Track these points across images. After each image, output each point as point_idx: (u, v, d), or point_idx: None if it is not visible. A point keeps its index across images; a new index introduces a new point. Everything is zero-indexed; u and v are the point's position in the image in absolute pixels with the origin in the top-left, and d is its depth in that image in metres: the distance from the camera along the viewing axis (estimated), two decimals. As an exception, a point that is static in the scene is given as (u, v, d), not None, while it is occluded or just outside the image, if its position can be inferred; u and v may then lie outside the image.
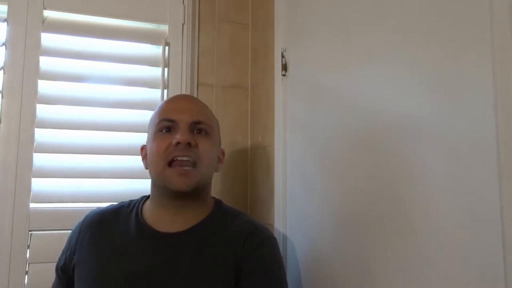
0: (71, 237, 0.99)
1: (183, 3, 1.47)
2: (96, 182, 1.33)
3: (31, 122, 1.27)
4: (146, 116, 1.40)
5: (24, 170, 1.26)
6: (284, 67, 1.21)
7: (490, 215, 0.56)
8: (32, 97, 1.28)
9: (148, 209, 0.97)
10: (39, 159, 1.28)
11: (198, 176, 0.92)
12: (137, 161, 1.36)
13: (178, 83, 1.43)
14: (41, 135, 1.29)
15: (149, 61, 1.43)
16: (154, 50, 1.43)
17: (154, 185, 0.97)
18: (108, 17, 1.39)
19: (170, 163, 0.90)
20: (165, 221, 0.94)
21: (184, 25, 1.46)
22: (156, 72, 1.42)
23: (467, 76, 0.61)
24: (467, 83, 0.61)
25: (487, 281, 0.57)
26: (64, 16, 1.36)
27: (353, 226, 0.86)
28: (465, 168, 0.61)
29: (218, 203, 1.03)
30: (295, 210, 1.13)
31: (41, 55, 1.30)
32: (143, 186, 1.37)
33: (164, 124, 0.94)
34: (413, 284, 0.70)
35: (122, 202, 1.04)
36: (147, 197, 1.02)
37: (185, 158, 0.90)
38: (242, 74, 1.53)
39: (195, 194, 0.93)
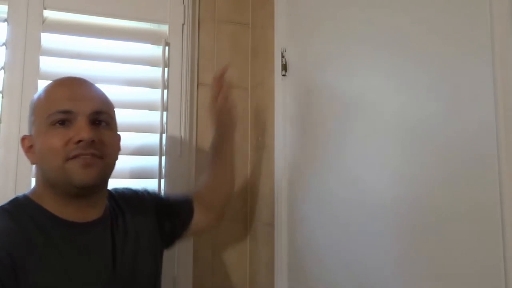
0: None
1: (183, 3, 1.47)
2: (96, 182, 1.33)
3: (31, 122, 1.27)
4: (146, 116, 1.41)
5: (24, 170, 1.25)
6: (284, 67, 1.21)
7: (490, 215, 0.56)
8: (32, 97, 1.28)
9: (53, 207, 0.83)
10: (39, 159, 1.28)
11: (104, 167, 0.83)
12: (137, 161, 1.36)
13: (178, 83, 1.43)
14: (41, 135, 1.29)
15: (149, 61, 1.43)
16: (154, 50, 1.43)
17: (49, 183, 0.82)
18: (108, 17, 1.39)
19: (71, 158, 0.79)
20: (78, 214, 0.84)
21: (184, 25, 1.46)
22: (156, 72, 1.42)
23: (467, 76, 0.61)
24: (467, 83, 0.61)
25: (487, 281, 0.57)
26: (64, 16, 1.35)
27: (353, 226, 0.86)
28: (465, 168, 0.61)
29: None
30: (295, 210, 1.13)
31: (41, 55, 1.30)
32: (143, 186, 1.37)
33: (59, 117, 0.79)
34: (413, 284, 0.70)
35: None
36: (25, 198, 0.86)
37: (89, 155, 0.79)
38: (242, 74, 1.53)
39: (101, 186, 0.86)
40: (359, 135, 0.86)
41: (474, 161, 0.59)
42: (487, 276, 0.57)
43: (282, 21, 1.25)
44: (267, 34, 1.37)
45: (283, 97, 1.21)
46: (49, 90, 0.86)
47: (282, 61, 1.22)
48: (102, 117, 0.84)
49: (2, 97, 1.26)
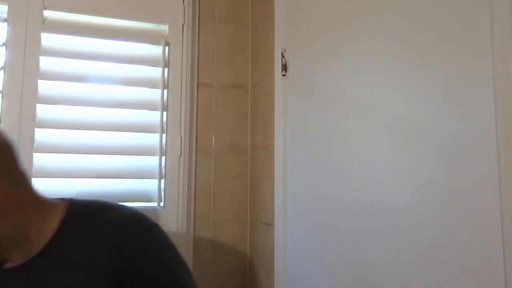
0: None
1: (183, 3, 1.47)
2: (96, 182, 1.33)
3: (31, 122, 1.27)
4: (146, 116, 1.41)
5: (24, 170, 1.25)
6: (284, 67, 1.21)
7: (490, 215, 0.56)
8: (32, 97, 1.28)
9: None
10: (39, 159, 1.28)
11: None
12: (137, 161, 1.36)
13: (178, 83, 1.43)
14: (41, 135, 1.29)
15: (149, 61, 1.43)
16: (154, 50, 1.44)
17: None
18: (108, 17, 1.39)
19: None
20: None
21: (184, 25, 1.46)
22: (156, 72, 1.42)
23: (467, 77, 0.61)
24: (467, 84, 0.61)
25: (487, 281, 0.57)
26: (64, 16, 1.36)
27: (353, 226, 0.86)
28: (465, 168, 0.61)
29: (70, 207, 0.82)
30: (295, 210, 1.13)
31: (41, 55, 1.30)
32: (143, 186, 1.37)
33: None
34: (413, 285, 0.70)
35: None
36: None
37: None
38: (242, 74, 1.53)
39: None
40: (359, 135, 0.86)
41: (474, 160, 0.59)
42: (487, 275, 0.57)
43: (282, 21, 1.25)
44: (267, 34, 1.37)
45: (283, 97, 1.21)
46: None
47: (282, 61, 1.22)
48: None
49: (2, 97, 1.26)
